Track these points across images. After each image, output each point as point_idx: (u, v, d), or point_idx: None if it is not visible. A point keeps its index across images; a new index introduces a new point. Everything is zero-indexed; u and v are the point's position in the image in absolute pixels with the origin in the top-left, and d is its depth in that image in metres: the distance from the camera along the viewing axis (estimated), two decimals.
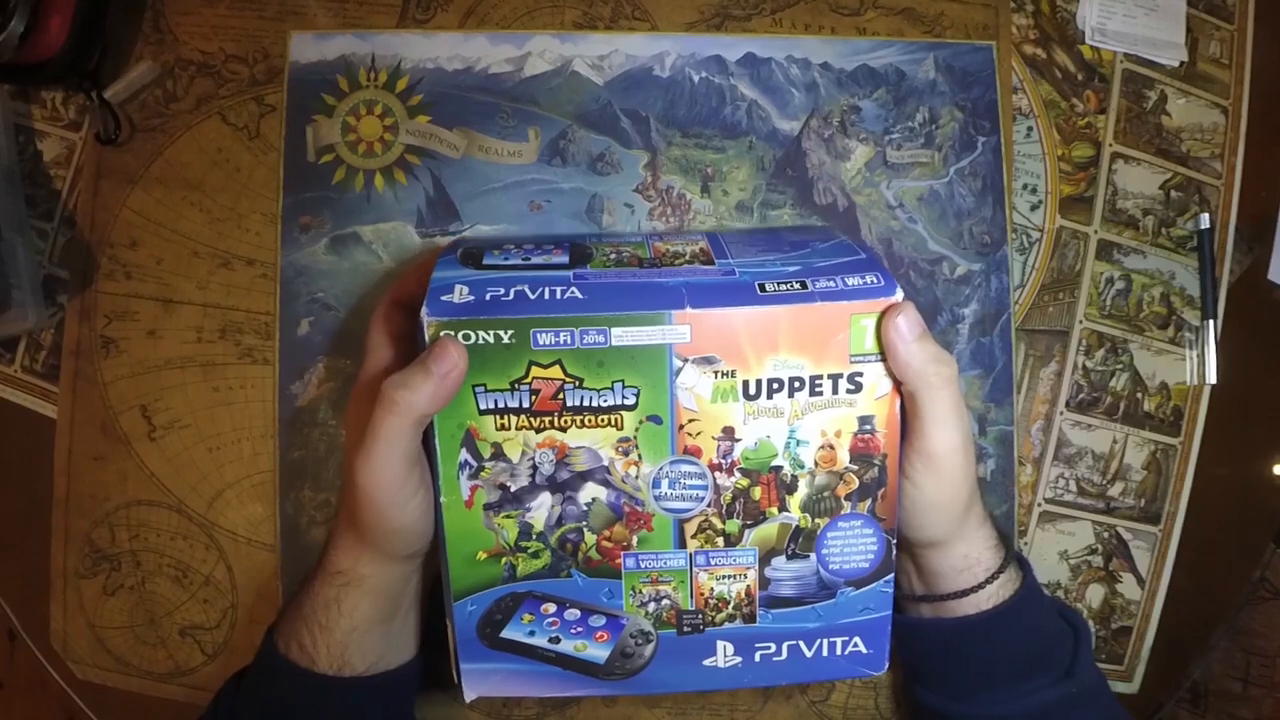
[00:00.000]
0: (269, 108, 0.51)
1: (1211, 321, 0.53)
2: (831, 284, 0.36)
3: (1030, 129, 0.53)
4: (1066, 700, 0.41)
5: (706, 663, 0.40)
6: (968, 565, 0.41)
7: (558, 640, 0.39)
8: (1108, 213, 0.53)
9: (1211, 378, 0.53)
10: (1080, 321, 0.52)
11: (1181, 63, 0.54)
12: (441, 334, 0.35)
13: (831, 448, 0.38)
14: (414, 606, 0.43)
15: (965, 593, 0.41)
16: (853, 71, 0.52)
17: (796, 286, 0.36)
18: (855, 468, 0.38)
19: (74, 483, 0.51)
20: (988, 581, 0.41)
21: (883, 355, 0.36)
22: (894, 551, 0.39)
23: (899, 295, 0.36)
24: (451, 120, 0.50)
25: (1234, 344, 0.53)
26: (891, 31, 0.52)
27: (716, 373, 0.36)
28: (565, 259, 0.40)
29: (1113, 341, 0.53)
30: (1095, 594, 0.52)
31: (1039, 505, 0.52)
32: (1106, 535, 0.52)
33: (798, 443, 0.37)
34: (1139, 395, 0.53)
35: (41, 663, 0.51)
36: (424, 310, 0.35)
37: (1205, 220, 0.53)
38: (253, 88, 0.51)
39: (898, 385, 0.37)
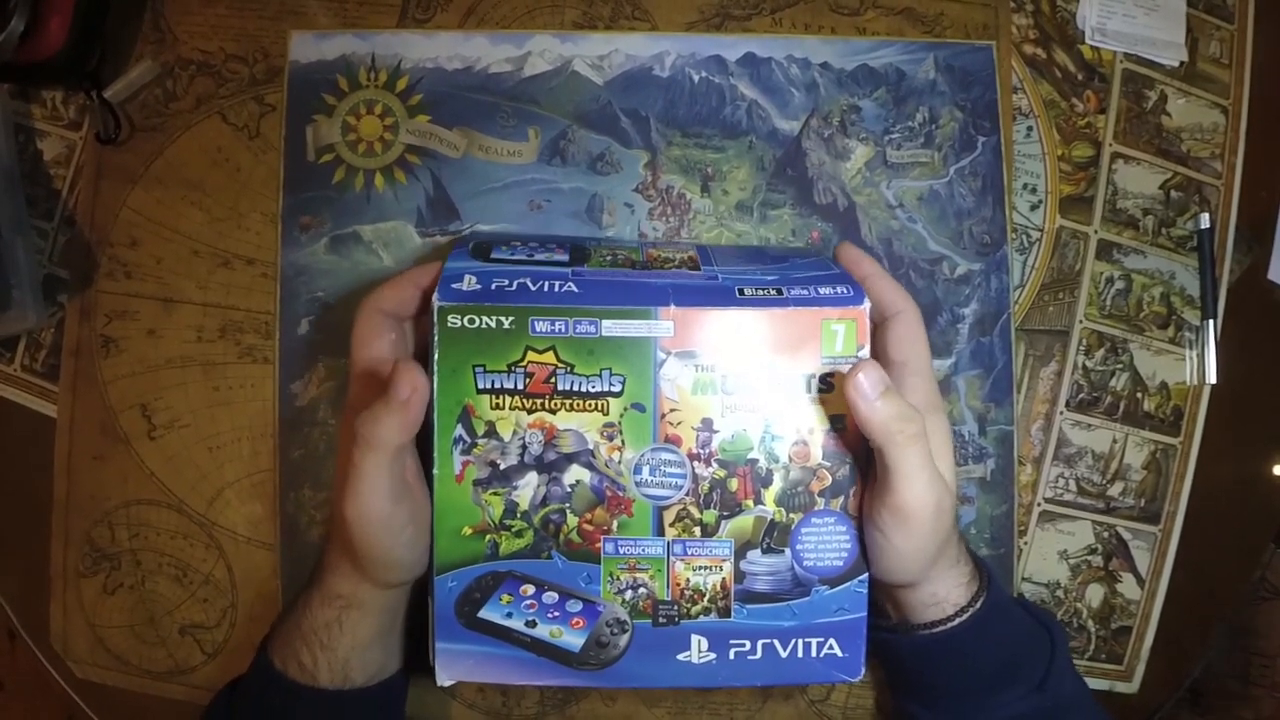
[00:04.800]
0: (269, 107, 0.51)
1: (1211, 321, 0.53)
2: (805, 291, 0.39)
3: (1030, 129, 0.53)
4: (1040, 714, 0.41)
5: (680, 657, 0.40)
6: (935, 601, 0.41)
7: (534, 624, 0.39)
8: (1108, 212, 0.53)
9: (1211, 377, 0.53)
10: (1080, 321, 0.52)
11: (1181, 63, 0.54)
12: (398, 362, 0.36)
13: (805, 444, 0.39)
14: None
15: (932, 625, 0.41)
16: (852, 71, 0.52)
17: (773, 292, 0.39)
18: (828, 464, 0.39)
19: (74, 482, 0.51)
20: (956, 616, 0.41)
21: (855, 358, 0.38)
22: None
23: (866, 305, 0.38)
24: (451, 120, 0.50)
25: (1234, 344, 0.53)
26: (891, 31, 0.52)
27: (697, 366, 0.38)
28: (566, 258, 0.41)
29: (1113, 341, 0.53)
30: (1095, 594, 0.52)
31: (1039, 505, 0.52)
32: (1106, 535, 0.52)
33: (773, 438, 0.39)
34: (1139, 395, 0.53)
35: (41, 662, 0.51)
36: (435, 295, 0.37)
37: (1205, 220, 0.53)
38: (253, 87, 0.51)
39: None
